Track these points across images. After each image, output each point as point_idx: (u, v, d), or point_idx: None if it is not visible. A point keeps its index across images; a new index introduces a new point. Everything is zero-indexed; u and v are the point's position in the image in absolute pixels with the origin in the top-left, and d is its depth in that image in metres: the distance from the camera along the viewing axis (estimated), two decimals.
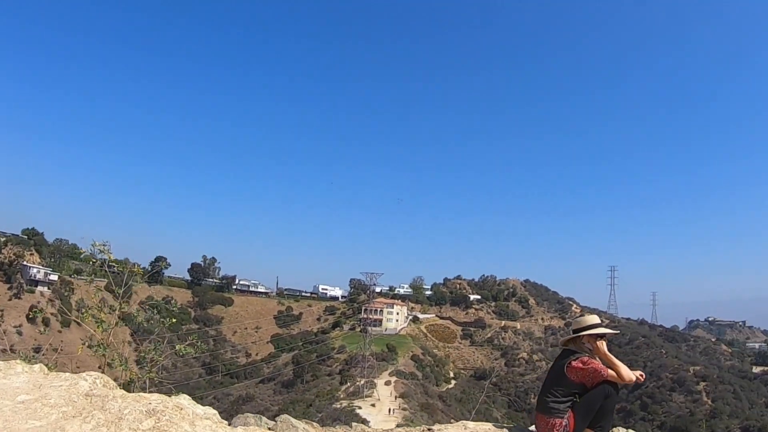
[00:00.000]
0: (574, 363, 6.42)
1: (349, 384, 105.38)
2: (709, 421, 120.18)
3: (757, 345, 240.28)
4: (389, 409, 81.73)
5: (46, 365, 5.84)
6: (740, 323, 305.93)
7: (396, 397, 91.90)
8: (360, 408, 77.11)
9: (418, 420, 73.06)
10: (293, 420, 6.28)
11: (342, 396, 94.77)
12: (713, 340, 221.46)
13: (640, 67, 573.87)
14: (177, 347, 6.88)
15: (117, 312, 6.78)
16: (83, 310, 6.96)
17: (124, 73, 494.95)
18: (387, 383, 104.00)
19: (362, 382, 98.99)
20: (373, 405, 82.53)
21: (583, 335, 6.74)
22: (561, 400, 6.39)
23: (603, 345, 6.68)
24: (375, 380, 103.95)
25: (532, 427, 7.15)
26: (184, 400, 4.72)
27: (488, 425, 7.05)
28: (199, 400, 7.01)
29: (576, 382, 6.39)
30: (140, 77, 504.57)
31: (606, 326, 6.98)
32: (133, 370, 6.42)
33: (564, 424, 6.35)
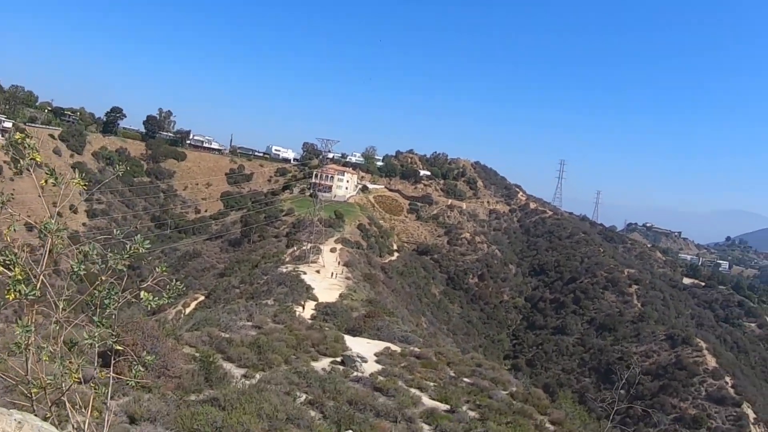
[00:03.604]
0: None
1: (295, 248, 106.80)
2: (636, 323, 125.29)
3: (689, 257, 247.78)
4: (332, 273, 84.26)
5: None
6: (675, 233, 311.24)
7: (339, 264, 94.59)
8: (305, 273, 79.13)
9: (360, 290, 76.64)
10: None
11: (287, 260, 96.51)
12: (649, 245, 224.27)
13: None
14: (142, 295, 4.71)
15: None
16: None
17: None
18: (332, 250, 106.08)
19: (308, 247, 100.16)
20: (317, 271, 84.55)
21: None
22: None
23: None
24: (321, 246, 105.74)
25: None
26: None
27: None
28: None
29: None
30: None
31: None
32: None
33: None
